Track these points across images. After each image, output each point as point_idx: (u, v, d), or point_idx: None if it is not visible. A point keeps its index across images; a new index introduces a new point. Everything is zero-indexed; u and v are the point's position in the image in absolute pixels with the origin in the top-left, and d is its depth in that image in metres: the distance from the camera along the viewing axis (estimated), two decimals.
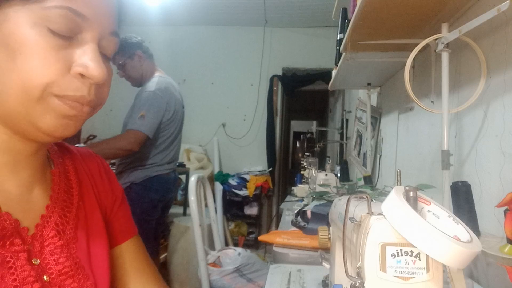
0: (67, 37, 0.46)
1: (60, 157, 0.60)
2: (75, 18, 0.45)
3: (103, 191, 0.65)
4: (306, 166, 2.78)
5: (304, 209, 1.53)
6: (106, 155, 2.11)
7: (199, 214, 1.91)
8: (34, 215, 0.51)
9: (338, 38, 1.69)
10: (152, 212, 2.23)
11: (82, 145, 2.32)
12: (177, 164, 2.87)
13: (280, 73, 4.67)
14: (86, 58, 0.46)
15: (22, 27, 0.43)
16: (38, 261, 0.49)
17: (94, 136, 3.70)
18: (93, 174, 0.64)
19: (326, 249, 0.80)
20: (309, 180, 2.52)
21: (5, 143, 0.49)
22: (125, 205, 0.70)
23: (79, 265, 0.53)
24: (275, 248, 1.24)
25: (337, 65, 1.77)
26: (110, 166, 2.21)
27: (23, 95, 0.44)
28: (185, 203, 3.55)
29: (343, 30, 1.62)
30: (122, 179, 2.14)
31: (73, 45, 0.46)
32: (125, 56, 2.21)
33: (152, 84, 2.15)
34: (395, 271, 0.45)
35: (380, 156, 2.13)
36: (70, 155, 0.63)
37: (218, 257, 2.24)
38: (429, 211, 0.49)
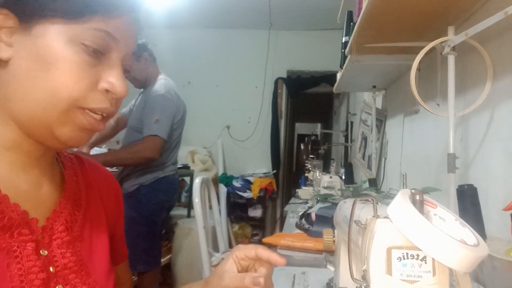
0: (98, 55, 0.50)
1: (69, 160, 0.63)
2: (108, 40, 0.50)
3: (110, 207, 0.67)
4: (310, 169, 2.78)
5: (308, 212, 1.53)
6: (126, 164, 2.12)
7: (203, 216, 1.91)
8: (44, 210, 0.54)
9: (343, 41, 1.69)
10: (159, 213, 2.24)
11: (99, 149, 2.33)
12: (181, 166, 2.87)
13: (284, 75, 4.67)
14: (112, 76, 0.51)
15: (58, 43, 0.47)
16: (46, 252, 0.51)
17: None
18: (102, 187, 0.66)
19: (330, 252, 0.80)
20: (314, 182, 2.52)
21: (17, 144, 0.51)
22: (123, 230, 0.72)
23: (83, 262, 0.55)
24: (279, 251, 1.24)
25: (342, 68, 1.77)
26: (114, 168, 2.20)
27: (50, 105, 0.47)
28: (189, 205, 3.55)
29: (348, 33, 1.62)
30: (130, 181, 2.15)
31: (101, 63, 0.51)
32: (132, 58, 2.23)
33: (160, 87, 2.16)
34: (401, 274, 0.44)
35: (385, 158, 2.12)
36: (77, 161, 0.65)
37: (222, 259, 2.23)
38: (435, 214, 0.49)
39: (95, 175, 0.66)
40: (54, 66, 0.47)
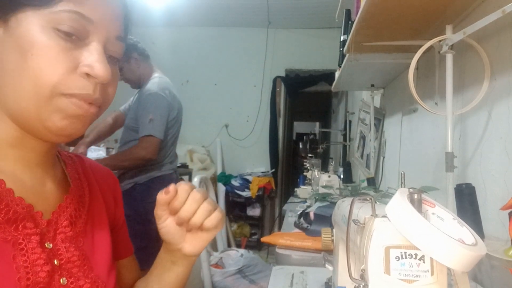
0: (74, 39, 0.49)
1: (70, 159, 0.64)
2: (82, 22, 0.48)
3: (109, 202, 0.68)
4: (309, 168, 2.78)
5: (307, 211, 1.53)
6: (125, 166, 2.12)
7: None
8: (48, 205, 0.55)
9: (341, 39, 1.69)
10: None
11: (97, 148, 2.33)
12: (180, 165, 2.85)
13: (283, 74, 4.67)
14: (91, 58, 0.50)
15: (32, 30, 0.47)
16: (51, 245, 0.52)
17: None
18: (102, 184, 0.68)
19: (329, 251, 0.80)
20: (312, 181, 2.52)
21: (19, 139, 0.52)
22: (125, 225, 0.74)
23: (86, 257, 0.56)
24: (278, 250, 1.24)
25: (340, 66, 1.77)
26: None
27: (34, 95, 0.47)
28: None
29: (346, 31, 1.62)
30: (126, 180, 2.15)
31: (80, 47, 0.50)
32: (121, 60, 2.22)
33: (153, 86, 2.15)
34: (399, 273, 0.44)
35: (383, 157, 2.12)
36: (78, 159, 0.66)
37: (221, 258, 2.24)
38: (433, 213, 0.49)
39: (95, 173, 0.67)
40: (29, 52, 0.47)
